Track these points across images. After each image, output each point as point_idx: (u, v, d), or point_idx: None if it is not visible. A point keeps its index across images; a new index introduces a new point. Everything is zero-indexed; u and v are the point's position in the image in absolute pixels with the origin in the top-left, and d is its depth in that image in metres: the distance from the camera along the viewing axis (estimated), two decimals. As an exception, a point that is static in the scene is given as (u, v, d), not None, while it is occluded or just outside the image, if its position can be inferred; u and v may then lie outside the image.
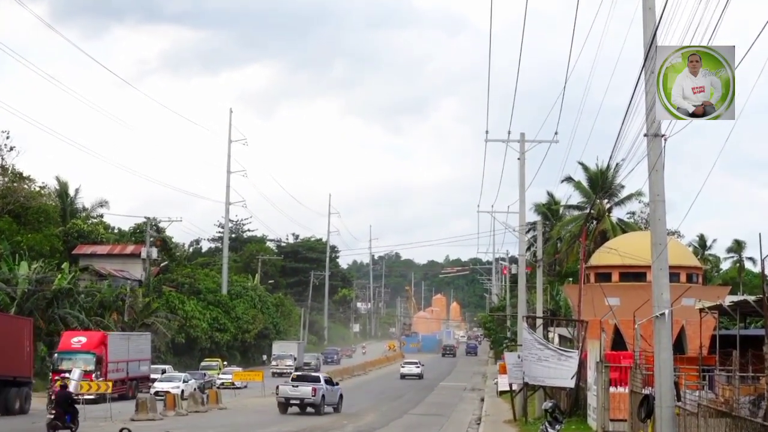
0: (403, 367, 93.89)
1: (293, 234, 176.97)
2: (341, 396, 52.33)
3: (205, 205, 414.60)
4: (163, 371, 66.31)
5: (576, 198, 78.71)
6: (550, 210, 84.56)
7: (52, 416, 33.46)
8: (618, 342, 44.49)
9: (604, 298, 40.35)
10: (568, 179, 75.37)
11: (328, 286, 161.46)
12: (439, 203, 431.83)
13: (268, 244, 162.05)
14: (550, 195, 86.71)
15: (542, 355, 38.38)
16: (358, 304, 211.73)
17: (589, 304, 42.35)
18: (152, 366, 65.98)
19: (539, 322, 46.76)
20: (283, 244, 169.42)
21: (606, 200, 75.46)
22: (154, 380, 61.88)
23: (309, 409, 49.41)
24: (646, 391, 24.89)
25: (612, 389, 31.36)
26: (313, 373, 55.53)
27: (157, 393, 55.06)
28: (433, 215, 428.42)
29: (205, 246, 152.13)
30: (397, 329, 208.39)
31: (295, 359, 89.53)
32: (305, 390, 48.86)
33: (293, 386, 49.28)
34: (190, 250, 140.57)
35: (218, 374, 72.83)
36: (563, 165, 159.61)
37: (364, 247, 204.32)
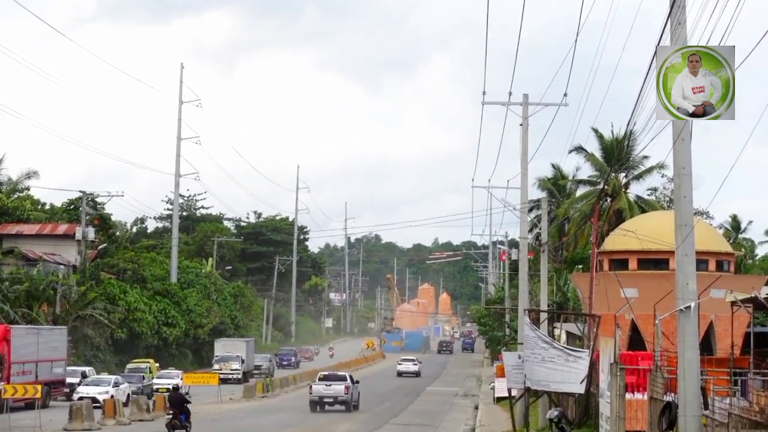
0: (400, 364, 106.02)
1: (255, 212, 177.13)
2: (359, 393, 62.81)
3: (152, 178, 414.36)
4: (84, 374, 64.61)
5: (587, 171, 78.91)
6: (556, 185, 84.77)
7: (171, 416, 41.48)
8: (636, 340, 44.72)
9: (620, 288, 40.46)
10: (579, 149, 75.51)
11: (296, 274, 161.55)
12: (426, 177, 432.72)
13: (226, 223, 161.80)
14: (557, 168, 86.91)
15: (547, 355, 38.46)
16: (332, 295, 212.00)
17: (602, 296, 42.48)
18: (71, 367, 64.80)
19: (543, 316, 46.87)
20: (243, 224, 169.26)
21: (623, 174, 75.65)
22: (72, 385, 60.52)
23: (338, 407, 59.79)
24: (668, 397, 24.98)
25: (628, 395, 31.48)
26: (339, 372, 65.80)
27: (81, 399, 54.16)
28: (420, 191, 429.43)
29: (152, 225, 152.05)
30: (377, 324, 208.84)
31: (242, 361, 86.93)
32: (338, 388, 60.08)
33: (326, 385, 60.39)
34: (134, 230, 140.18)
35: (151, 377, 70.47)
36: (573, 133, 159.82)
37: (339, 228, 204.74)
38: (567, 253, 78.62)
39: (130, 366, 74.37)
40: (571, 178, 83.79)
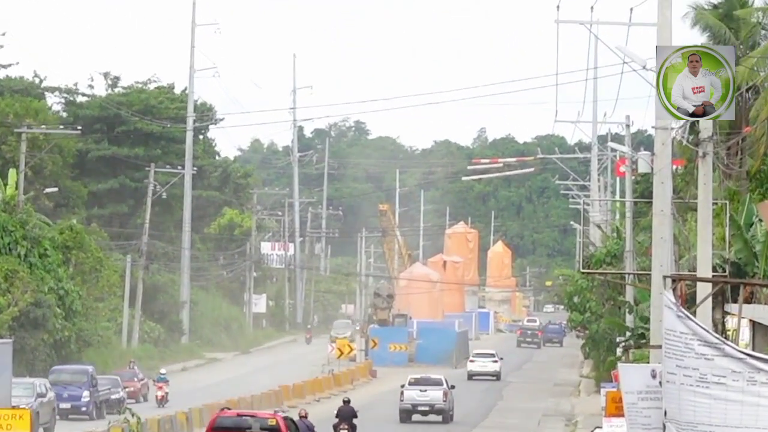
0: (472, 361, 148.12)
1: (107, 75, 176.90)
2: (453, 401, 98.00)
3: None
4: None
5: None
6: (729, 21, 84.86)
7: (345, 430, 74.82)
8: None
9: None
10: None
11: (193, 202, 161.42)
12: (462, 9, 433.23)
13: (48, 99, 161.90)
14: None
15: (711, 370, 38.60)
16: (266, 248, 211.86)
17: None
18: None
19: (704, 290, 47.03)
20: (82, 100, 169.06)
21: None
22: None
23: (433, 416, 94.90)
24: None
25: None
26: (434, 376, 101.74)
27: None
28: (445, 34, 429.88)
29: None
30: (359, 308, 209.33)
31: None
32: (435, 395, 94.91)
33: (421, 390, 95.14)
34: None
35: None
36: None
37: (280, 109, 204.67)
38: (752, 162, 78.78)
39: None
40: (759, 4, 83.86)
